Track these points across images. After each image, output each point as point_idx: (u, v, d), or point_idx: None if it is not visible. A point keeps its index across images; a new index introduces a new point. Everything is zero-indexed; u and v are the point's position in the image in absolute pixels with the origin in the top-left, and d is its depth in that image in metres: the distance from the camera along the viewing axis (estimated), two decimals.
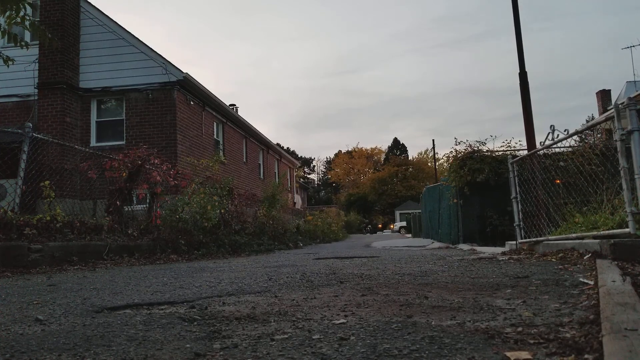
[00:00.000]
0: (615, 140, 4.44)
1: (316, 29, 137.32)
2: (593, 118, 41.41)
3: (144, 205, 9.22)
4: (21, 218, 5.93)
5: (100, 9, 14.84)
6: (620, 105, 4.42)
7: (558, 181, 6.37)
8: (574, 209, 5.88)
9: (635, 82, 26.05)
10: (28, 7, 5.16)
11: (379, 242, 17.65)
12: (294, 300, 2.76)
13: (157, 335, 1.89)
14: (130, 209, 8.62)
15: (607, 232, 4.58)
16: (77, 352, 1.66)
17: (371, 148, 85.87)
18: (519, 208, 6.97)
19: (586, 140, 6.60)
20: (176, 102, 14.18)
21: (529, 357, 1.43)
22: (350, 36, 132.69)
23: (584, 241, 4.77)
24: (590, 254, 4.27)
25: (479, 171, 10.31)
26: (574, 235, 5.24)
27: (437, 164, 46.77)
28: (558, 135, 5.83)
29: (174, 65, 14.25)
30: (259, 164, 23.85)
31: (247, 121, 20.74)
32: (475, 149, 10.91)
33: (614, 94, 30.12)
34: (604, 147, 5.61)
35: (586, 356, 1.39)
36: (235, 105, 25.88)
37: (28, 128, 6.81)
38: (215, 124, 17.73)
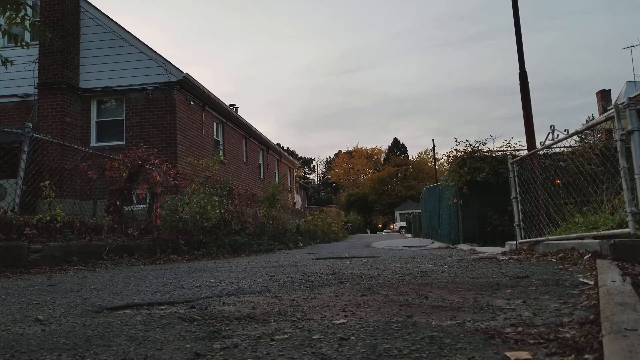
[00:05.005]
0: (615, 140, 4.45)
1: (316, 28, 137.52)
2: (593, 118, 41.39)
3: (144, 205, 9.22)
4: (21, 218, 5.92)
5: (100, 9, 14.86)
6: (620, 106, 4.42)
7: (558, 181, 6.37)
8: (574, 209, 5.87)
9: (635, 82, 26.07)
10: (28, 8, 5.17)
11: (378, 242, 17.63)
12: (294, 300, 2.76)
13: (157, 335, 1.89)
14: (130, 209, 8.63)
15: (607, 232, 4.58)
16: (77, 352, 1.66)
17: (371, 148, 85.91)
18: (519, 208, 6.97)
19: (586, 141, 6.59)
20: (176, 102, 14.19)
21: (529, 357, 1.43)
22: (350, 35, 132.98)
23: (584, 241, 4.77)
24: (590, 254, 4.27)
25: (479, 170, 10.31)
26: (574, 235, 5.24)
27: (437, 164, 46.74)
28: (558, 135, 5.83)
29: (173, 65, 14.26)
30: (259, 164, 23.85)
31: (247, 121, 20.74)
32: (476, 148, 10.92)
33: (614, 94, 30.14)
34: (604, 147, 5.60)
35: (586, 356, 1.39)
36: (235, 105, 25.88)
37: (28, 128, 6.80)
38: (215, 124, 17.73)
